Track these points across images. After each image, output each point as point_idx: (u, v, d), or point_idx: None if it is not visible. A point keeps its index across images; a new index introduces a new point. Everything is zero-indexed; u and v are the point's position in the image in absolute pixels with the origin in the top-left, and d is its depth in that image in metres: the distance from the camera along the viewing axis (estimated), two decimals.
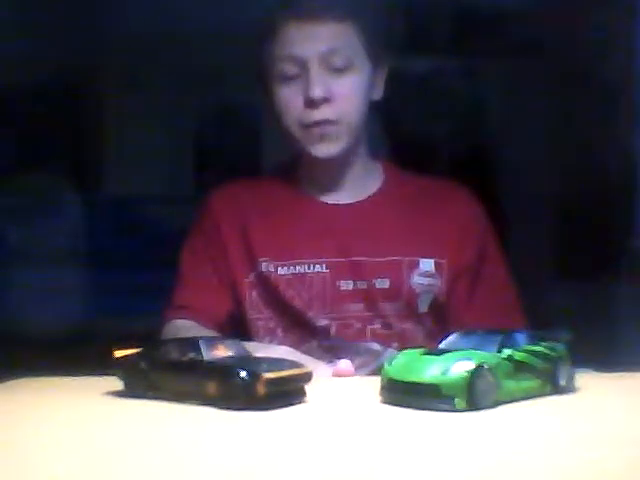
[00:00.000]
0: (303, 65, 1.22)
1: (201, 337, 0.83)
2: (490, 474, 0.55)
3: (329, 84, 1.22)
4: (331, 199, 1.31)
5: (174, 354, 0.80)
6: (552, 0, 2.17)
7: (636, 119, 2.07)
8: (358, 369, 1.19)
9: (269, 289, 1.26)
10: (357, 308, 1.24)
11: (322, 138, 1.24)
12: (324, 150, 1.25)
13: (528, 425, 0.71)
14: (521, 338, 0.81)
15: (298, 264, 1.25)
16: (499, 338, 0.80)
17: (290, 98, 1.24)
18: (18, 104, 2.34)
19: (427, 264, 1.26)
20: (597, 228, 2.17)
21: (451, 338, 0.84)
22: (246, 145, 2.71)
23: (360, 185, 1.32)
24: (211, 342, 0.81)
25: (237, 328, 1.27)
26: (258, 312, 1.26)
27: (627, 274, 2.06)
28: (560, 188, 2.35)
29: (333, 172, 1.30)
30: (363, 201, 1.32)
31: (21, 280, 2.31)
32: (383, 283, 1.24)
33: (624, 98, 2.10)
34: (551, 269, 2.09)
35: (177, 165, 2.78)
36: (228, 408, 0.75)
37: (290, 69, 1.23)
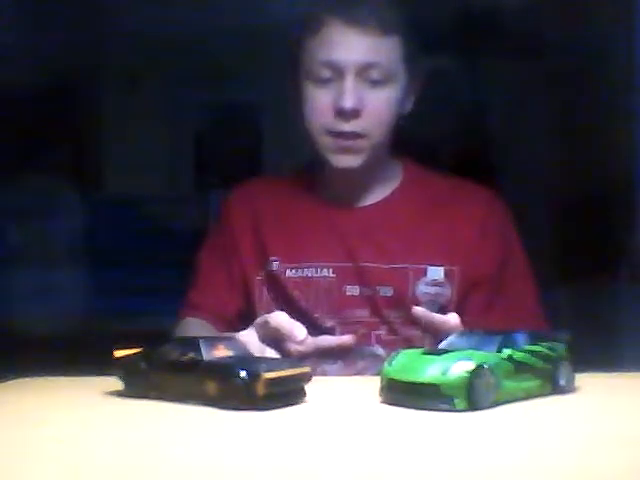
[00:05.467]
0: (339, 72, 1.18)
1: (201, 337, 0.83)
2: (490, 474, 0.55)
3: (363, 96, 1.18)
4: (345, 202, 1.29)
5: (174, 354, 0.80)
6: (552, 0, 2.17)
7: (636, 119, 2.07)
8: (361, 372, 1.20)
9: (278, 288, 1.26)
10: (363, 313, 1.23)
11: (345, 150, 1.21)
12: (344, 162, 1.22)
13: (528, 425, 0.71)
14: (521, 338, 0.81)
15: (306, 267, 1.25)
16: (499, 338, 0.79)
17: (320, 103, 1.20)
18: (18, 104, 2.34)
19: (435, 272, 1.22)
20: (597, 228, 2.17)
21: (451, 338, 0.84)
22: (246, 145, 2.72)
23: (376, 188, 1.29)
24: (211, 342, 0.81)
25: (249, 326, 1.27)
26: (269, 310, 1.26)
27: (627, 274, 2.06)
28: (560, 188, 2.35)
29: (350, 179, 1.26)
30: (376, 204, 1.28)
31: (21, 280, 2.31)
32: (387, 291, 1.22)
33: (624, 98, 2.10)
34: (551, 269, 2.09)
35: (177, 165, 2.78)
36: (228, 408, 0.75)
37: (326, 73, 1.19)
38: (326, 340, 1.09)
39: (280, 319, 1.03)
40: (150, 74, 2.61)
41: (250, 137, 2.71)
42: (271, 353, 1.02)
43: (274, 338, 1.03)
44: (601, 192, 2.17)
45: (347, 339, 1.12)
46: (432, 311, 1.19)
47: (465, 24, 2.35)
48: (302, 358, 1.01)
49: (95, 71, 2.59)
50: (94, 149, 2.69)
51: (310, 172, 1.32)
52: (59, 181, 2.45)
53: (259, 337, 1.05)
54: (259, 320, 1.06)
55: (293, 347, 1.02)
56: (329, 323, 1.22)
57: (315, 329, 1.21)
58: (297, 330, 1.01)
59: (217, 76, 2.57)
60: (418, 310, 1.07)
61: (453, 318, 1.02)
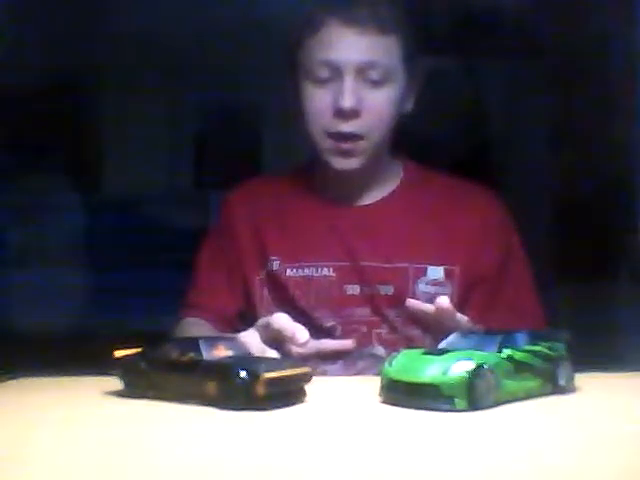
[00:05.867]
0: (338, 72, 1.18)
1: (201, 337, 0.83)
2: (490, 474, 0.55)
3: (362, 96, 1.18)
4: (345, 202, 1.29)
5: (174, 354, 0.80)
6: (552, 1, 2.16)
7: (636, 118, 2.07)
8: (361, 372, 1.20)
9: (278, 288, 1.26)
10: (363, 312, 1.23)
11: (344, 152, 1.21)
12: (344, 164, 1.22)
13: (528, 425, 0.71)
14: (521, 338, 0.81)
15: (306, 267, 1.25)
16: (499, 338, 0.80)
17: (319, 103, 1.20)
18: (18, 104, 2.34)
19: (435, 272, 1.22)
20: (597, 227, 2.17)
21: (451, 338, 0.84)
22: (246, 145, 2.71)
23: (376, 187, 1.29)
24: (211, 342, 0.81)
25: (250, 326, 1.27)
26: (269, 310, 1.25)
27: (627, 274, 2.06)
28: (560, 188, 2.35)
29: (350, 180, 1.26)
30: (375, 203, 1.28)
31: (21, 280, 2.31)
32: (387, 290, 1.22)
33: (624, 98, 2.10)
34: (551, 269, 2.09)
35: (177, 165, 2.78)
36: (228, 408, 0.75)
37: (325, 73, 1.19)
38: (327, 343, 1.09)
39: (282, 321, 1.02)
40: (150, 74, 2.61)
41: (250, 137, 2.71)
42: (272, 353, 1.02)
43: (276, 340, 1.03)
44: (601, 192, 2.17)
45: (347, 343, 1.12)
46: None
47: (465, 24, 2.35)
48: (303, 359, 1.01)
49: (95, 71, 2.59)
50: (94, 149, 2.69)
51: (310, 171, 1.32)
52: (59, 181, 2.45)
53: (261, 338, 1.05)
54: (261, 321, 1.06)
55: (294, 349, 1.02)
56: (329, 323, 1.22)
57: (315, 329, 1.21)
58: (299, 333, 1.01)
59: (217, 76, 2.57)
60: (411, 302, 1.08)
61: (443, 301, 1.02)
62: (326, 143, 1.21)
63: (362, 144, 1.21)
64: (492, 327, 1.13)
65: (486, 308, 1.23)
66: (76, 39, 2.36)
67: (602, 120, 2.14)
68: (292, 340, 1.01)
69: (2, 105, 2.22)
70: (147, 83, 2.60)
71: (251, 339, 1.03)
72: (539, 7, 2.16)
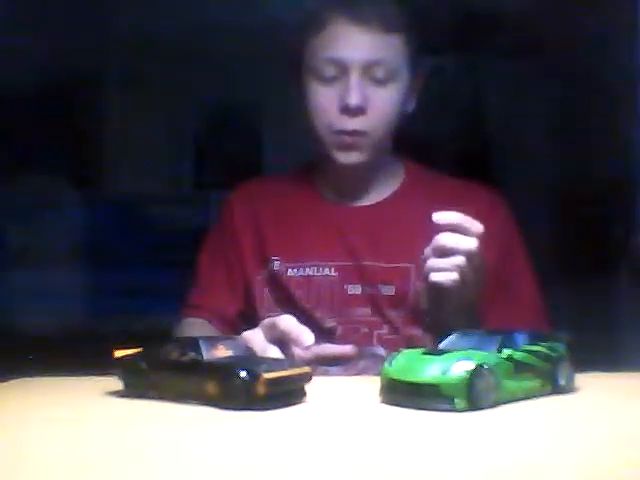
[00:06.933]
0: (344, 70, 1.19)
1: (201, 337, 0.83)
2: (490, 474, 0.55)
3: (367, 94, 1.19)
4: (346, 201, 1.29)
5: (174, 354, 0.80)
6: (552, 0, 2.16)
7: (636, 118, 2.07)
8: (362, 372, 1.20)
9: (279, 288, 1.26)
10: (364, 312, 1.23)
11: (349, 147, 1.22)
12: (348, 158, 1.23)
13: (528, 425, 0.71)
14: (521, 338, 0.81)
15: (307, 266, 1.25)
16: (499, 338, 0.80)
17: (325, 100, 1.21)
18: (18, 104, 2.34)
19: None
20: (597, 227, 2.17)
21: (451, 338, 0.84)
22: (246, 145, 2.71)
23: (378, 187, 1.29)
24: (211, 342, 0.81)
25: (251, 326, 1.27)
26: (270, 310, 1.26)
27: (627, 274, 2.06)
28: (560, 187, 2.35)
29: (352, 177, 1.27)
30: (377, 203, 1.29)
31: (21, 280, 2.31)
32: (389, 290, 1.23)
33: (624, 97, 2.10)
34: (551, 269, 2.09)
35: (177, 165, 2.78)
36: (228, 408, 0.75)
37: (330, 71, 1.20)
38: (328, 348, 1.09)
39: (288, 323, 1.02)
40: (150, 74, 2.61)
41: (250, 137, 2.71)
42: (275, 352, 1.02)
43: (280, 340, 1.03)
44: (601, 191, 2.17)
45: (348, 349, 1.12)
46: (434, 309, 1.19)
47: (465, 24, 2.35)
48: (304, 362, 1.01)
49: (95, 71, 2.59)
50: (94, 149, 2.68)
51: (311, 171, 1.33)
52: (59, 181, 2.45)
53: (265, 337, 1.04)
54: (267, 321, 1.06)
55: (297, 352, 1.02)
56: (330, 323, 1.23)
57: (316, 329, 1.21)
58: (305, 336, 1.00)
59: (217, 76, 2.57)
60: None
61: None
62: (331, 139, 1.22)
63: (366, 140, 1.21)
64: (494, 324, 1.14)
65: (488, 307, 1.23)
66: (76, 39, 2.36)
67: (602, 119, 2.14)
68: (297, 343, 1.01)
69: (2, 105, 2.22)
70: (147, 83, 2.60)
71: (255, 337, 1.03)
72: (539, 7, 2.16)
